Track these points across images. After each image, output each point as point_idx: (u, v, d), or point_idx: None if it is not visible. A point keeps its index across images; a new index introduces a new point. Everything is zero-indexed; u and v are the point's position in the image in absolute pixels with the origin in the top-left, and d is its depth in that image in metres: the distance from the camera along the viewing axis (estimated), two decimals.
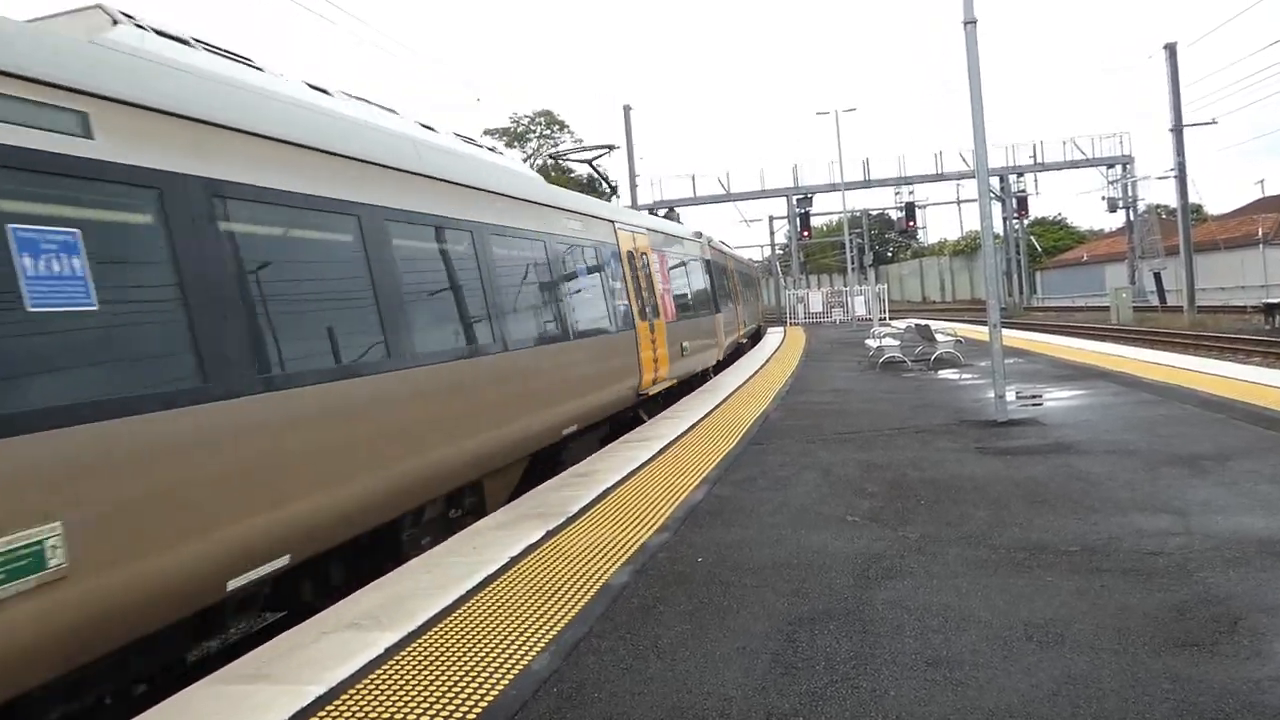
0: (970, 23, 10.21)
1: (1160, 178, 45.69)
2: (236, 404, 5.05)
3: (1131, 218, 50.53)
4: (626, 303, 13.40)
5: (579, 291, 11.57)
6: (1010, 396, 10.64)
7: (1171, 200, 43.44)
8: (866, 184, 50.90)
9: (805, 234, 51.20)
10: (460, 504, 8.27)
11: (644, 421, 13.66)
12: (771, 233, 64.92)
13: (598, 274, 12.50)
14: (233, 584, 4.97)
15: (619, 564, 5.82)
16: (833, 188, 47.72)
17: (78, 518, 4.02)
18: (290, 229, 6.04)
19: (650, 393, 14.19)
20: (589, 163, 20.53)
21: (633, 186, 39.55)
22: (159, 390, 4.60)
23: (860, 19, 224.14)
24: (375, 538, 6.76)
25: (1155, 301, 46.62)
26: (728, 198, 51.54)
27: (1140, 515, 6.14)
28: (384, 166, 7.20)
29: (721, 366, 21.81)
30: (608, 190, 50.68)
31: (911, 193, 51.77)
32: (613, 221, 13.84)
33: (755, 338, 33.85)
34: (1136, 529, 5.81)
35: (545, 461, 10.06)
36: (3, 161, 4.04)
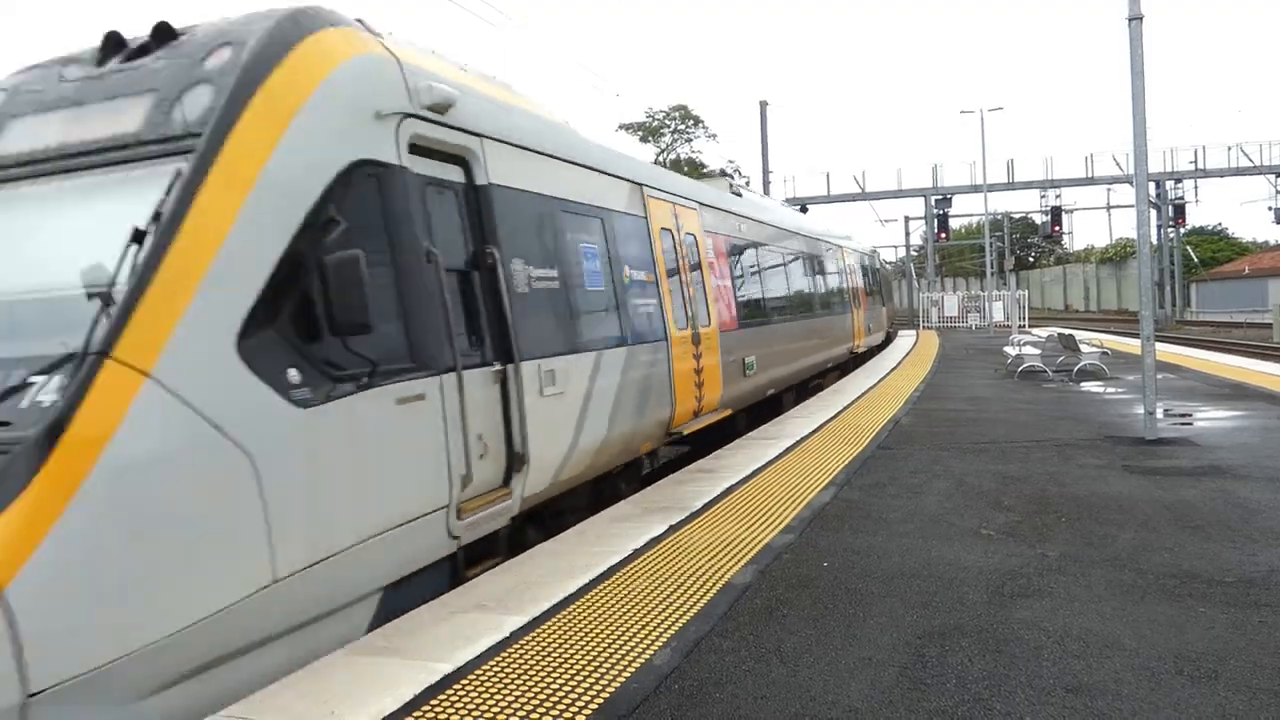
0: (1135, 19, 9.68)
1: None
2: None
3: None
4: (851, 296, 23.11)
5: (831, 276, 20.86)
6: (1160, 413, 10.08)
7: None
8: (1010, 186, 49.20)
9: (942, 235, 49.56)
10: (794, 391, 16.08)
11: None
12: (907, 233, 63.32)
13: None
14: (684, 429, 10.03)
15: (742, 563, 5.77)
16: (974, 189, 46.19)
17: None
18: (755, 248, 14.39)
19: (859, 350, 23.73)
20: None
21: (765, 183, 39.12)
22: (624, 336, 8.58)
23: (1009, 14, 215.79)
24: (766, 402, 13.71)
25: None
26: (863, 196, 50.59)
27: None
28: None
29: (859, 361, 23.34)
30: (745, 183, 51.87)
31: (1058, 196, 49.81)
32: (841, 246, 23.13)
33: (885, 342, 33.35)
34: None
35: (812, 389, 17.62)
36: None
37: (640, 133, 67.09)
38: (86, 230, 4.45)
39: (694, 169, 61.74)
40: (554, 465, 7.03)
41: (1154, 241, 48.10)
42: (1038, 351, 19.56)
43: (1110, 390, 15.39)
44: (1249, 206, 64.64)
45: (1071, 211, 55.02)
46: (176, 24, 5.09)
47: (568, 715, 3.70)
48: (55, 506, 3.46)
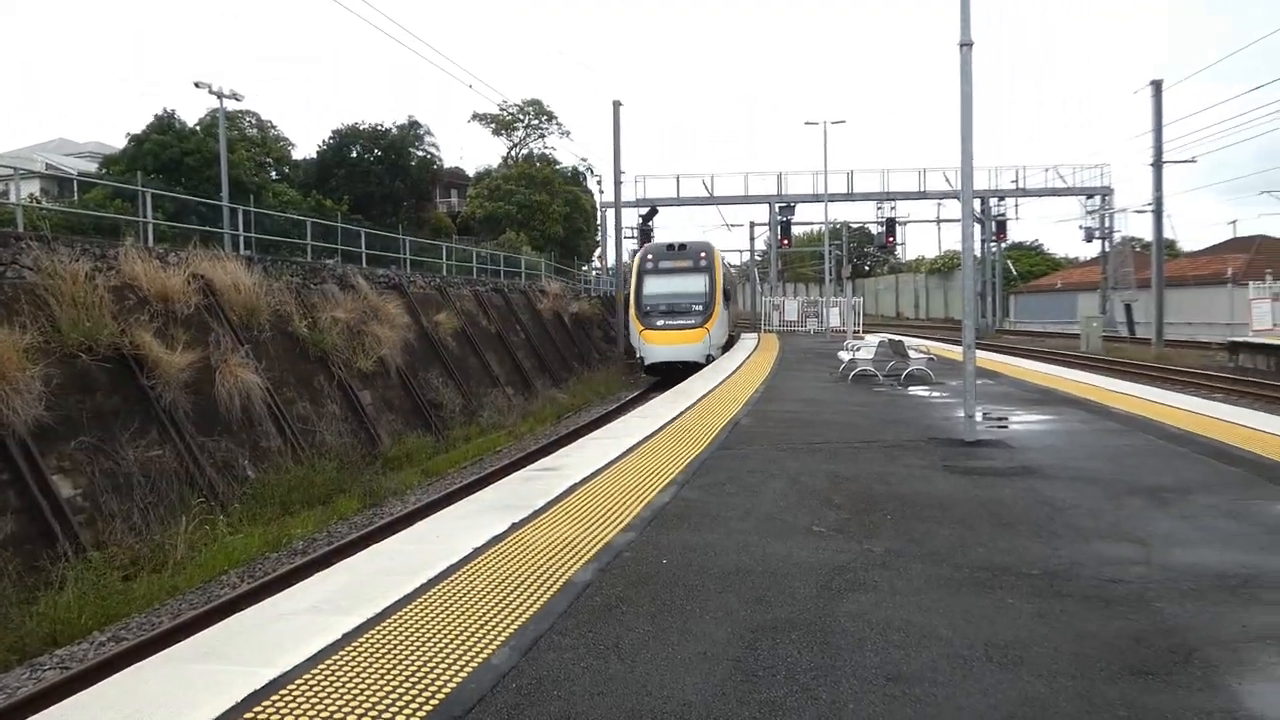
0: (966, 45, 10.28)
1: (1138, 211, 46.34)
2: None
3: (1107, 248, 51.15)
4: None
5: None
6: (979, 417, 10.73)
7: (1147, 234, 44.11)
8: (849, 197, 50.94)
9: (785, 242, 51.15)
10: None
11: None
12: (752, 238, 65.18)
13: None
14: None
15: (583, 561, 5.80)
16: (816, 198, 47.67)
17: None
18: None
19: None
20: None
21: (617, 183, 39.36)
22: None
23: (854, 32, 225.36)
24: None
25: (1125, 332, 47.13)
26: (711, 200, 51.35)
27: (1102, 543, 6.20)
28: None
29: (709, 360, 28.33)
30: (596, 185, 53.22)
31: (893, 209, 52.23)
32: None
33: (729, 344, 34.56)
34: (1098, 556, 5.86)
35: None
36: None
37: (493, 125, 66.34)
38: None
39: (546, 164, 61.35)
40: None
41: (978, 255, 51.34)
42: (870, 357, 20.58)
43: (935, 394, 16.31)
44: (1063, 224, 69.91)
45: (905, 224, 57.78)
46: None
47: (401, 718, 3.63)
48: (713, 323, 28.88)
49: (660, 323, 29.07)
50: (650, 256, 31.32)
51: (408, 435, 19.16)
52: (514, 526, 6.71)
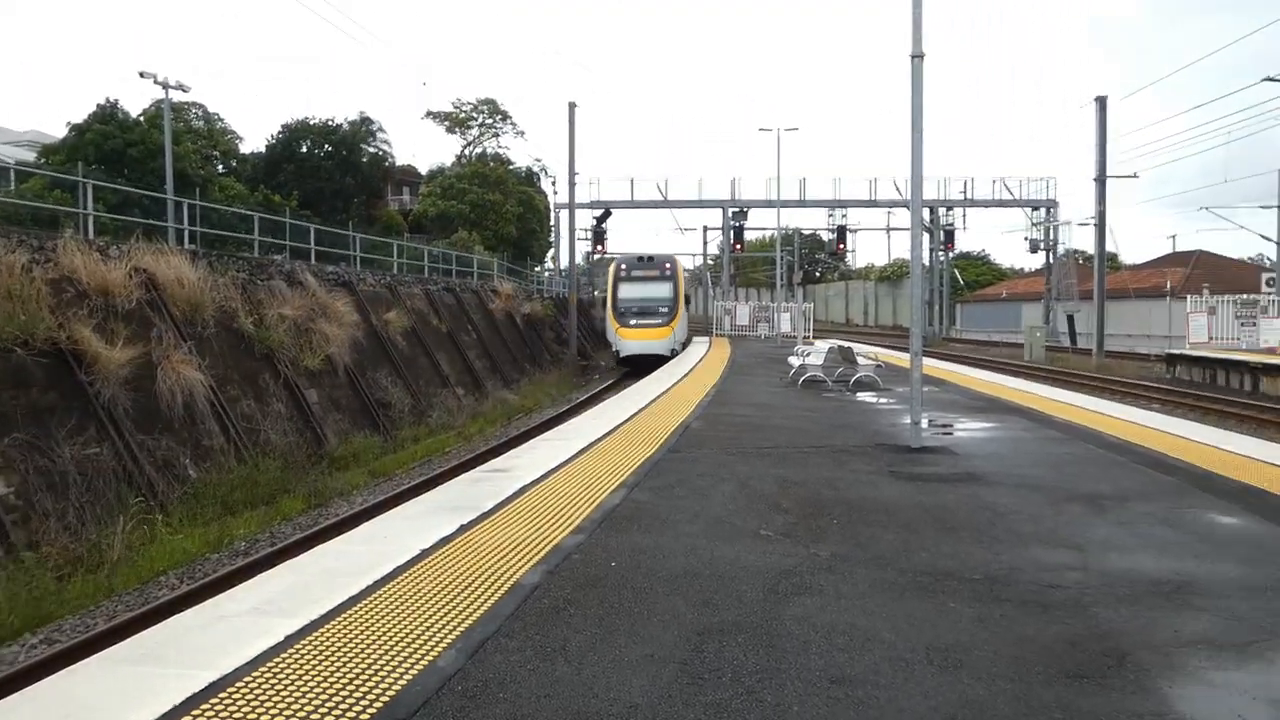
0: (917, 57, 10.44)
1: (1081, 224, 47.68)
2: None
3: (1051, 260, 51.97)
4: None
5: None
6: (925, 424, 10.88)
7: (1090, 247, 44.91)
8: (802, 203, 51.23)
9: (738, 246, 51.28)
10: None
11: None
12: (705, 242, 65.53)
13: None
14: None
15: (532, 563, 5.78)
16: (769, 204, 47.60)
17: None
18: None
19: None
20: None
21: (571, 184, 39.32)
22: None
23: (808, 41, 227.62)
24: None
25: (1067, 342, 48.13)
26: (665, 204, 51.37)
27: (1041, 549, 6.31)
28: None
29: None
30: (551, 186, 53.94)
31: (844, 216, 52.87)
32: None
33: (683, 347, 35.34)
34: (1037, 562, 5.97)
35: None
36: None
37: (447, 123, 65.85)
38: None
39: (500, 164, 61.01)
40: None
41: (926, 263, 51.90)
42: (819, 362, 20.76)
43: (883, 400, 16.51)
44: (1009, 235, 70.76)
45: (855, 231, 58.36)
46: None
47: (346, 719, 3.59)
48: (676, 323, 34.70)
49: (633, 322, 34.40)
50: (625, 266, 36.92)
51: (355, 435, 18.87)
52: (463, 528, 6.66)
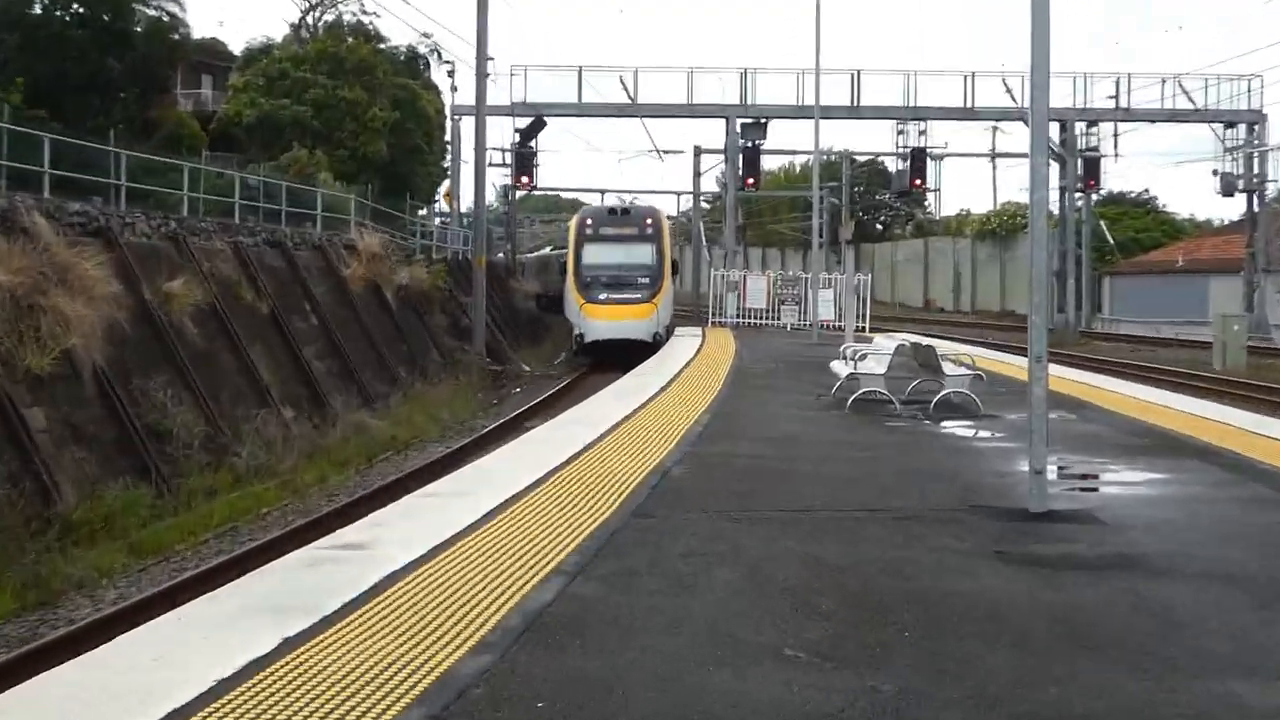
0: None
1: None
2: None
3: (1257, 208, 36.18)
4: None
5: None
6: (1053, 473, 8.14)
7: None
8: (854, 112, 35.20)
9: (750, 182, 35.81)
10: None
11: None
12: (697, 174, 44.67)
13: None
14: None
15: (400, 707, 3.83)
16: (800, 111, 32.98)
17: None
18: None
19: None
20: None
21: (480, 75, 27.92)
22: None
23: None
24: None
25: None
26: (633, 110, 35.48)
27: (1243, 682, 4.56)
28: None
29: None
30: (448, 79, 41.55)
31: (923, 134, 36.46)
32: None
33: (666, 333, 28.21)
34: (1238, 703, 4.27)
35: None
36: None
37: None
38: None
39: (365, 42, 42.61)
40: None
41: (1054, 211, 36.57)
42: (881, 370, 15.41)
43: (983, 434, 12.48)
44: (1187, 167, 52.88)
45: (941, 158, 40.81)
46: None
47: None
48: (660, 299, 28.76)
49: (603, 296, 27.29)
50: (591, 221, 29.80)
51: (109, 485, 13.27)
52: (287, 643, 4.69)
